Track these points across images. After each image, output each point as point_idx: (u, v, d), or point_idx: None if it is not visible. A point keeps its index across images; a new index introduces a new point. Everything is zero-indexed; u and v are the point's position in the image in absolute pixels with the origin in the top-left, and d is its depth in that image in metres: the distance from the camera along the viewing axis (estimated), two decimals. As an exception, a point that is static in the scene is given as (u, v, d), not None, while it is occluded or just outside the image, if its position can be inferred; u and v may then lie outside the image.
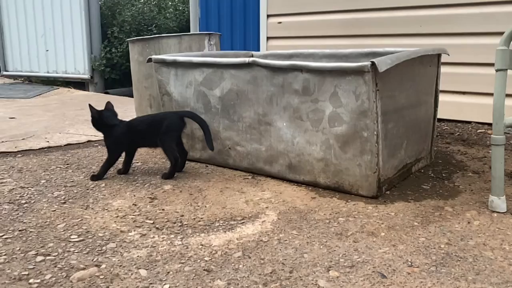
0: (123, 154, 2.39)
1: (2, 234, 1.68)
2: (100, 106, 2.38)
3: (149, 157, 2.72)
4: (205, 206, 1.96)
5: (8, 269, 1.44)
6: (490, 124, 3.20)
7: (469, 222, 1.78)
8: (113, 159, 2.34)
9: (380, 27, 3.65)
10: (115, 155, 2.35)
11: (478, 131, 3.19)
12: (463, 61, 3.25)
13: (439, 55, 2.47)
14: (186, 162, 2.49)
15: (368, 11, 3.72)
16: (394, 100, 2.08)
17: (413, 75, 2.24)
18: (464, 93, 3.33)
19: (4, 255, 1.53)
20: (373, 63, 1.85)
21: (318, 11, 4.00)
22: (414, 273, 1.41)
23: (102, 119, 2.32)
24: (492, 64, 1.89)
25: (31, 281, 1.37)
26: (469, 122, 3.34)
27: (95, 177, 2.31)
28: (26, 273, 1.42)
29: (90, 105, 2.31)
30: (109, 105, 2.38)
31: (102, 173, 2.32)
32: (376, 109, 1.92)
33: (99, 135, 2.73)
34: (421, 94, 2.35)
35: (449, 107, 3.32)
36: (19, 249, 1.57)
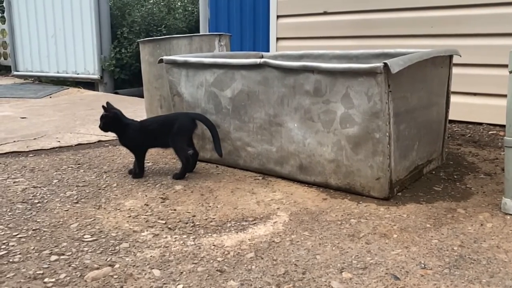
0: (132, 155, 2.41)
1: (17, 233, 1.70)
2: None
3: (159, 157, 2.73)
4: (217, 207, 1.97)
5: (23, 268, 1.45)
6: (501, 126, 3.18)
7: (482, 224, 1.77)
8: (140, 155, 2.37)
9: (391, 28, 3.64)
10: (140, 151, 2.37)
11: (489, 132, 3.17)
12: (474, 62, 3.22)
13: (450, 56, 2.46)
14: (197, 162, 2.50)
15: (378, 11, 3.70)
16: (406, 101, 2.08)
17: (425, 76, 2.23)
18: (475, 94, 3.31)
19: (19, 254, 1.54)
20: (385, 64, 1.84)
21: (328, 12, 3.99)
22: (427, 275, 1.41)
23: (120, 118, 2.34)
24: (504, 66, 1.88)
25: (46, 280, 1.39)
26: (481, 124, 3.32)
27: (137, 175, 2.35)
28: (41, 272, 1.43)
29: (104, 106, 2.32)
30: (111, 105, 2.38)
31: (140, 170, 2.36)
32: (388, 111, 1.91)
33: (110, 135, 2.75)
34: (432, 95, 2.34)
35: (461, 108, 3.30)
36: (34, 248, 1.58)
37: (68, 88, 6.15)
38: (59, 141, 3.14)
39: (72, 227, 1.76)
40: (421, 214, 1.88)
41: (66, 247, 1.60)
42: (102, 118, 2.34)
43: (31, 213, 1.89)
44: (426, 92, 2.25)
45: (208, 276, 1.41)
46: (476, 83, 3.29)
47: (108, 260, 1.51)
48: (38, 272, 1.43)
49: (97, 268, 1.45)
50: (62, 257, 1.53)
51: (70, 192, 2.15)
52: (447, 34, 3.38)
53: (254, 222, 1.81)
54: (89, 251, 1.57)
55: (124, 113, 2.40)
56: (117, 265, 1.47)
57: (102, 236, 1.68)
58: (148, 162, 2.60)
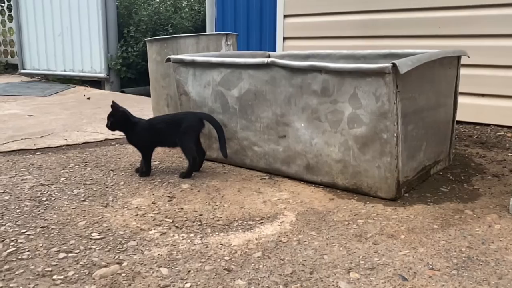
0: (139, 153, 2.41)
1: (25, 230, 1.71)
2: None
3: (166, 156, 2.73)
4: (223, 206, 1.97)
5: (32, 265, 1.46)
6: (509, 127, 3.17)
7: (490, 226, 1.76)
8: (147, 153, 2.38)
9: (398, 28, 3.63)
10: (148, 150, 2.38)
11: (497, 133, 3.15)
12: (482, 63, 3.21)
13: (458, 57, 2.45)
14: (204, 161, 2.50)
15: (385, 12, 3.69)
16: (414, 102, 2.07)
17: (433, 77, 2.22)
18: (483, 95, 3.29)
19: (28, 251, 1.55)
20: (394, 65, 1.84)
21: (335, 12, 3.99)
22: (435, 276, 1.40)
23: (127, 117, 2.34)
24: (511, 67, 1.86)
25: (54, 277, 1.39)
26: (488, 125, 3.30)
27: (144, 174, 2.36)
28: (50, 269, 1.44)
29: (112, 106, 2.32)
30: (116, 104, 2.38)
31: (147, 169, 2.37)
32: (396, 111, 1.91)
33: (116, 134, 2.76)
34: (440, 96, 2.33)
35: (468, 109, 3.29)
36: (42, 245, 1.59)
37: (75, 87, 6.17)
38: (66, 139, 3.15)
39: (80, 225, 1.76)
40: (428, 215, 1.87)
41: (74, 244, 1.60)
42: (109, 117, 2.34)
43: (39, 211, 1.90)
44: (434, 92, 2.25)
45: (215, 275, 1.41)
46: (484, 84, 3.27)
47: (116, 258, 1.51)
48: (46, 269, 1.44)
49: (105, 266, 1.46)
50: (70, 254, 1.53)
51: (77, 190, 2.16)
52: (455, 34, 3.36)
53: (261, 221, 1.81)
54: (97, 249, 1.57)
55: (130, 111, 2.40)
56: (125, 263, 1.48)
57: (110, 234, 1.69)
58: (155, 161, 2.60)
